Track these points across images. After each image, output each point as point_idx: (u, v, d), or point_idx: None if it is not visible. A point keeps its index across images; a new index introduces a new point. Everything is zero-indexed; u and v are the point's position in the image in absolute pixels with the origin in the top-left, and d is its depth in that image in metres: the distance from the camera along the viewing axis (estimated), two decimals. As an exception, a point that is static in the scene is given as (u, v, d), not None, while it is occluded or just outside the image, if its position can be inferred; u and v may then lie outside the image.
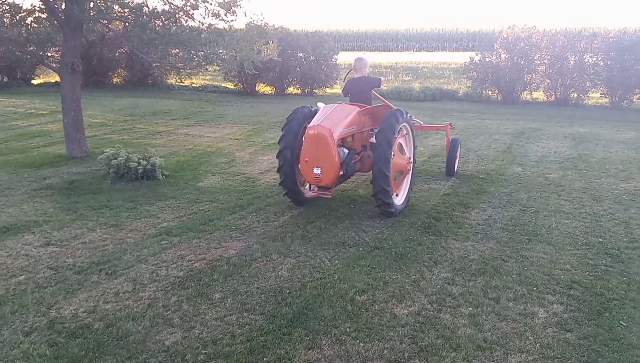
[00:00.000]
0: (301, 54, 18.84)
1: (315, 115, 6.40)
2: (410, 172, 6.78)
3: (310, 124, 6.11)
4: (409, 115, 6.59)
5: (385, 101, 7.69)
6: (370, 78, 7.05)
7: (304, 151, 6.06)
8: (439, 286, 4.53)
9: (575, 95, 15.91)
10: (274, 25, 10.96)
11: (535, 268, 4.94)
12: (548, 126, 12.66)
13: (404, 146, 6.74)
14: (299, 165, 6.23)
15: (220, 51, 8.69)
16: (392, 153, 6.05)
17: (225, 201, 6.86)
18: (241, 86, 19.44)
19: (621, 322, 3.99)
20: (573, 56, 15.55)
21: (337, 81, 20.46)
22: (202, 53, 8.50)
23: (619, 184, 7.73)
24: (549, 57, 15.75)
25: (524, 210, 6.62)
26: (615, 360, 3.52)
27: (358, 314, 4.02)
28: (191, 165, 8.79)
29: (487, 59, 16.48)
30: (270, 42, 9.85)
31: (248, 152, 9.83)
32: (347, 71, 7.41)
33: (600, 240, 5.67)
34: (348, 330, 3.80)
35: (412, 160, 6.81)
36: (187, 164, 8.82)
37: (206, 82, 22.11)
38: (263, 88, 20.12)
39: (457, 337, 3.75)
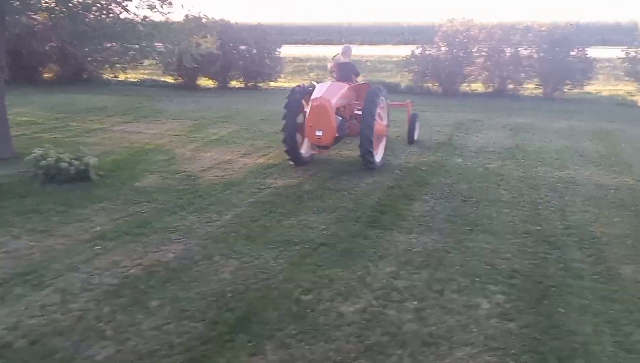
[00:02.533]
0: (243, 47, 18.45)
1: (310, 92, 8.15)
2: (386, 137, 8.64)
3: (313, 97, 7.83)
4: (385, 92, 8.45)
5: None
6: (354, 65, 9.00)
7: (309, 117, 7.80)
8: (384, 281, 4.50)
9: (512, 86, 16.44)
10: (213, 17, 10.62)
11: (477, 258, 5.01)
12: (487, 117, 12.99)
13: (382, 115, 8.34)
14: (305, 129, 7.95)
15: (157, 44, 8.31)
16: (375, 121, 7.76)
17: (164, 201, 6.58)
18: (181, 80, 18.85)
19: (560, 309, 4.09)
20: (509, 49, 16.04)
21: (281, 75, 20.23)
22: (138, 47, 8.09)
23: (554, 173, 8.01)
24: (486, 49, 16.18)
25: (465, 201, 6.73)
26: (556, 347, 3.60)
27: (303, 315, 3.92)
28: (128, 164, 8.39)
29: (427, 52, 16.74)
30: (210, 35, 9.54)
31: (189, 149, 9.51)
32: (335, 55, 9.38)
33: (539, 227, 5.83)
34: (293, 332, 3.70)
35: (387, 127, 8.66)
36: (123, 163, 8.41)
37: (145, 76, 21.25)
38: (205, 82, 19.58)
39: (403, 333, 3.73)
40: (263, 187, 7.20)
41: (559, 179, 7.67)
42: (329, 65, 9.20)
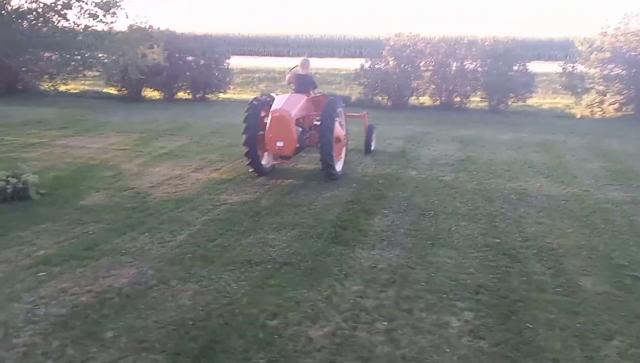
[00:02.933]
0: (191, 58, 18.03)
1: (268, 103, 8.31)
2: (346, 146, 8.85)
3: (273, 108, 7.96)
4: (342, 103, 8.84)
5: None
6: (312, 78, 9.13)
7: (269, 128, 7.91)
8: (352, 301, 4.37)
9: (459, 99, 16.88)
10: (159, 28, 10.24)
11: (442, 274, 4.98)
12: (436, 129, 13.23)
13: (339, 125, 8.47)
14: (265, 140, 8.04)
15: (100, 55, 7.88)
16: (334, 130, 7.97)
17: (113, 220, 6.19)
18: (126, 92, 18.15)
19: (528, 324, 4.09)
20: (455, 63, 16.49)
21: (230, 86, 19.89)
22: (80, 57, 7.64)
23: (506, 184, 8.18)
24: (433, 63, 16.56)
25: (424, 214, 6.73)
26: (528, 365, 3.57)
27: (271, 342, 3.72)
28: (71, 181, 7.89)
29: (376, 66, 16.94)
30: (156, 46, 9.18)
31: (136, 163, 9.08)
32: (293, 66, 9.56)
33: (498, 240, 5.88)
34: (261, 361, 3.49)
35: (346, 137, 8.81)
36: (66, 180, 7.91)
37: (86, 87, 20.36)
38: (150, 93, 18.96)
39: (376, 356, 3.60)
40: (218, 203, 6.93)
41: (512, 191, 7.83)
42: (287, 76, 9.28)
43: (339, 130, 8.29)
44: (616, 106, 15.76)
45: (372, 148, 10.36)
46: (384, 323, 4.02)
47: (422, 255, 5.41)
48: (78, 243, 5.47)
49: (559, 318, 4.21)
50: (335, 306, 4.25)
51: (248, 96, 20.29)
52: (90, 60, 7.65)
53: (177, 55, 17.64)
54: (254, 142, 8.08)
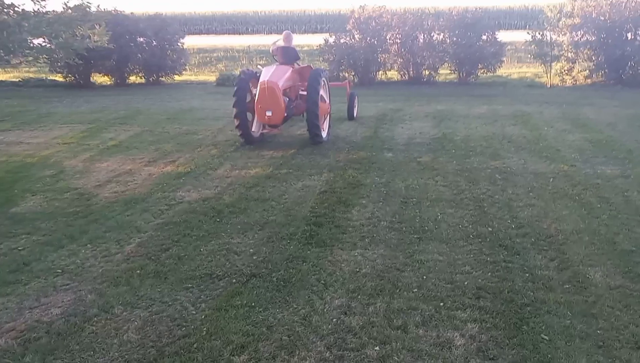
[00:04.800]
0: (142, 39, 16.80)
1: (257, 75, 8.65)
2: (329, 114, 9.32)
3: (261, 79, 8.30)
4: (326, 73, 9.24)
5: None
6: (295, 50, 9.31)
7: (259, 99, 8.28)
8: (334, 319, 3.66)
9: (427, 72, 16.26)
10: (98, 6, 9.15)
11: (434, 275, 4.32)
12: (407, 105, 12.58)
13: (324, 95, 8.91)
14: (255, 110, 8.54)
15: (28, 38, 6.82)
16: (319, 99, 8.37)
17: (50, 231, 5.30)
18: (72, 78, 16.81)
19: (542, 336, 3.47)
20: (422, 34, 15.81)
21: (186, 68, 18.73)
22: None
23: (488, 163, 7.59)
24: (400, 36, 15.83)
25: (405, 202, 6.06)
26: (554, 393, 2.95)
27: (239, 386, 2.99)
28: (4, 184, 6.91)
29: (341, 41, 16.12)
30: (98, 26, 8.13)
31: (81, 159, 8.10)
32: (277, 39, 9.78)
33: (490, 229, 5.27)
34: (228, 416, 2.76)
35: (329, 105, 9.26)
36: (-3, 183, 6.91)
37: (29, 75, 18.83)
38: (100, 79, 17.67)
39: (371, 396, 2.91)
40: (173, 203, 6.10)
41: (496, 170, 7.24)
42: (271, 49, 9.56)
43: (322, 99, 8.72)
44: (586, 73, 15.42)
45: (355, 115, 10.92)
46: (376, 348, 3.33)
47: (409, 252, 4.74)
48: (4, 263, 4.58)
49: (576, 324, 3.62)
50: (315, 329, 3.53)
51: (207, 77, 19.21)
52: (12, 44, 6.56)
53: (127, 36, 16.41)
54: (244, 111, 8.56)
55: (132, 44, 16.59)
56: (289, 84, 8.85)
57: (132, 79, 17.72)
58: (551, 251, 4.77)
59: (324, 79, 8.86)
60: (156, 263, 4.55)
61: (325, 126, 9.10)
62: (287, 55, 9.15)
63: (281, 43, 9.42)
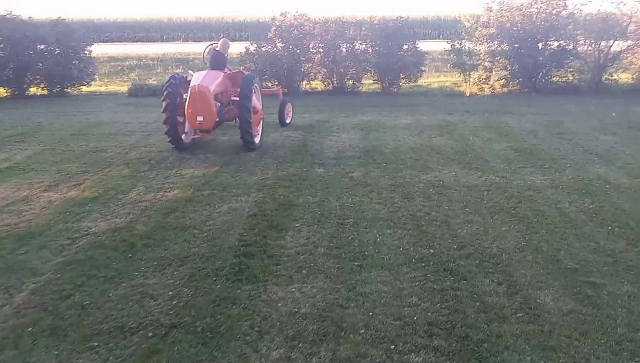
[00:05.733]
0: (43, 47, 15.32)
1: (187, 80, 8.73)
2: (262, 120, 9.31)
3: (192, 84, 8.28)
4: (258, 79, 9.21)
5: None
6: (224, 56, 9.31)
7: (189, 104, 8.25)
8: (274, 377, 3.12)
9: (351, 83, 16.10)
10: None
11: (381, 310, 3.91)
12: (333, 116, 12.27)
13: (256, 101, 8.95)
14: (185, 115, 8.50)
15: None
16: (251, 105, 8.45)
17: None
18: (-39, 90, 15.01)
19: (506, 379, 3.14)
20: (345, 44, 15.63)
21: (94, 77, 17.36)
22: None
23: (420, 177, 7.37)
24: (323, 45, 15.56)
25: (342, 223, 5.64)
26: None
27: None
28: None
29: (263, 49, 15.58)
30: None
31: (-34, 185, 6.97)
32: (211, 43, 9.77)
33: (432, 251, 4.95)
34: None
35: (261, 111, 9.23)
36: None
37: None
38: (-5, 91, 15.94)
39: None
40: (77, 236, 5.27)
41: (429, 184, 7.02)
42: (204, 54, 9.75)
43: (255, 104, 8.77)
44: (503, 81, 15.94)
45: (289, 122, 10.84)
46: (325, 413, 2.83)
47: (351, 284, 4.30)
48: None
49: (536, 360, 3.33)
50: (251, 393, 2.97)
51: (118, 87, 17.94)
52: None
53: (25, 44, 14.90)
54: (174, 119, 8.46)
55: (31, 52, 15.07)
56: (221, 89, 8.82)
57: (33, 90, 16.11)
58: (497, 273, 4.51)
59: (255, 85, 8.86)
60: (54, 316, 3.77)
61: (259, 131, 9.14)
62: (216, 60, 9.19)
63: (215, 47, 9.40)
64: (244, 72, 9.55)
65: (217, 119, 8.49)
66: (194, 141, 9.09)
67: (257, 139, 8.85)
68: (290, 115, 11.03)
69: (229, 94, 9.19)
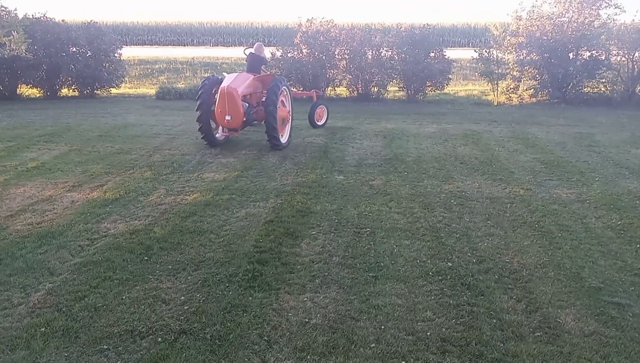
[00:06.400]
0: (74, 49, 15.68)
1: (221, 81, 9.20)
2: (290, 121, 9.79)
3: (222, 85, 8.86)
4: (286, 81, 9.75)
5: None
6: (261, 57, 9.99)
7: (219, 104, 8.83)
8: (280, 389, 3.07)
9: (376, 89, 16.01)
10: (15, 10, 8.21)
11: (393, 324, 3.82)
12: (357, 123, 12.21)
13: (285, 102, 9.51)
14: (215, 114, 8.99)
15: None
16: (277, 108, 8.88)
17: (-62, 276, 4.42)
18: (-4, 90, 15.45)
19: (520, 402, 3.02)
20: (371, 50, 15.55)
21: (124, 80, 17.69)
22: None
23: (442, 187, 7.24)
24: (348, 51, 15.51)
25: (359, 232, 5.57)
26: None
27: None
28: None
29: (289, 55, 15.63)
30: (15, 33, 7.23)
31: (-6, 184, 7.14)
32: (247, 47, 10.39)
33: (450, 264, 4.84)
34: None
35: (290, 112, 9.77)
36: None
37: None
38: (28, 91, 16.35)
39: None
40: (96, 236, 5.33)
41: (450, 195, 6.89)
42: (245, 52, 10.31)
43: (282, 107, 9.18)
44: (531, 91, 15.63)
45: (320, 124, 11.33)
46: None
47: (365, 295, 4.22)
48: None
49: (554, 383, 3.20)
50: (256, 405, 2.93)
51: (146, 90, 18.23)
52: None
53: (57, 45, 15.27)
54: (207, 115, 9.03)
55: (63, 54, 15.43)
56: (250, 90, 9.31)
57: (64, 91, 16.50)
58: (517, 289, 4.38)
59: (284, 87, 9.34)
60: (67, 317, 3.80)
61: (286, 131, 9.57)
62: (253, 63, 9.80)
63: (252, 51, 10.03)
64: (274, 75, 10.00)
65: (245, 119, 9.00)
66: (227, 138, 9.71)
67: (283, 139, 9.34)
68: (323, 117, 11.49)
69: (258, 95, 9.62)
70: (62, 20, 16.21)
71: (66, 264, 4.70)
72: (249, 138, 10.26)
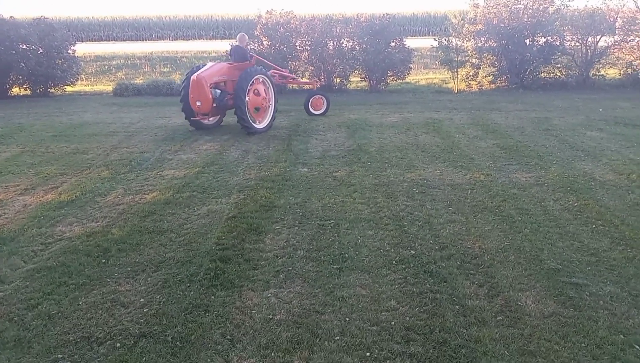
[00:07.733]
0: (25, 46, 15.07)
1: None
2: (272, 107, 10.46)
3: (192, 74, 9.79)
4: (264, 70, 10.32)
5: (273, 65, 11.98)
6: (244, 48, 10.51)
7: (190, 91, 9.78)
8: (243, 389, 3.02)
9: (339, 80, 15.98)
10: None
11: (358, 315, 3.81)
12: (320, 115, 12.16)
13: (261, 90, 10.09)
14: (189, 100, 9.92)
15: None
16: (247, 96, 9.62)
17: None
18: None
19: (483, 387, 3.05)
20: (332, 41, 15.50)
21: (79, 77, 17.14)
22: None
23: (405, 176, 7.28)
24: (309, 43, 15.41)
25: (323, 225, 5.53)
26: None
27: None
28: None
29: (249, 47, 15.41)
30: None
31: (-61, 190, 6.79)
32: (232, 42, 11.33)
33: (413, 252, 4.86)
34: None
35: (270, 100, 10.38)
36: None
37: None
38: (-24, 92, 15.65)
39: None
40: (51, 241, 5.14)
41: (413, 183, 6.93)
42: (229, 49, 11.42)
43: (257, 95, 9.95)
44: (490, 78, 15.89)
45: (318, 113, 12.00)
46: (294, 426, 2.73)
47: (329, 288, 4.19)
48: None
49: (516, 366, 3.24)
50: (219, 407, 2.87)
51: (104, 87, 17.72)
52: None
53: (7, 43, 14.64)
54: (189, 105, 10.00)
55: (13, 52, 14.81)
56: (222, 78, 10.07)
57: (15, 91, 15.88)
58: (479, 275, 4.43)
59: (261, 75, 10.04)
60: (19, 327, 3.64)
61: (265, 118, 10.29)
62: (238, 53, 10.44)
63: (235, 43, 10.73)
64: (254, 65, 10.50)
65: (215, 105, 9.75)
66: (220, 121, 10.72)
67: (262, 125, 10.10)
68: (321, 107, 12.08)
69: (234, 83, 10.03)
70: (11, 17, 15.54)
71: (18, 271, 4.51)
72: (211, 132, 10.09)
